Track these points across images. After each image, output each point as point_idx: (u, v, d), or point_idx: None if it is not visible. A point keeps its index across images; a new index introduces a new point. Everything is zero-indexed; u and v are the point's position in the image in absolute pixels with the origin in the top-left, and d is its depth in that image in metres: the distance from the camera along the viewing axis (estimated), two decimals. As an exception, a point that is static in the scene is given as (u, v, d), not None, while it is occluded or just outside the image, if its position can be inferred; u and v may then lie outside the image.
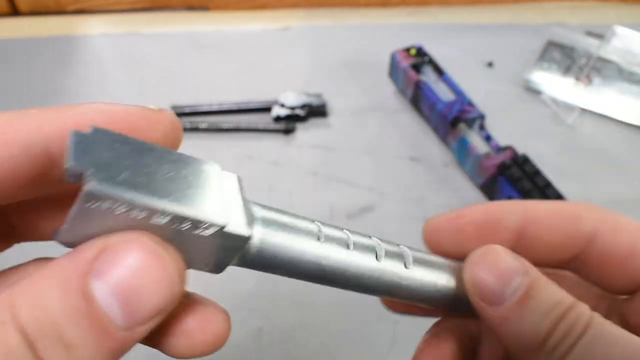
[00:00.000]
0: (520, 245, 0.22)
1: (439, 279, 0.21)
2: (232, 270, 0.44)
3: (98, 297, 0.15)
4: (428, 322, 0.43)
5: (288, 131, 0.54)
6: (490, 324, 0.20)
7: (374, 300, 0.44)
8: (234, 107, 0.53)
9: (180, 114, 0.53)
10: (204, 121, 0.53)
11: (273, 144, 0.53)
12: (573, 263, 0.22)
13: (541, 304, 0.19)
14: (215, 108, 0.54)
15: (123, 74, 0.60)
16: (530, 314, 0.19)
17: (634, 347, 0.18)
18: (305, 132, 0.54)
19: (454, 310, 0.22)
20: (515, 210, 0.22)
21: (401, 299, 0.22)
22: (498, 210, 0.22)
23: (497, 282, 0.19)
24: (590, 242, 0.22)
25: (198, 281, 0.45)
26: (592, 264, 0.22)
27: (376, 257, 0.20)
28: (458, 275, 0.22)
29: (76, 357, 0.15)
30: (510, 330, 0.20)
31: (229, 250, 0.18)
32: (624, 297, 0.22)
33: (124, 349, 0.17)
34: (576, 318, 0.19)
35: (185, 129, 0.52)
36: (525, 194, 0.44)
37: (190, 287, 0.43)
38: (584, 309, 0.19)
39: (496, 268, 0.20)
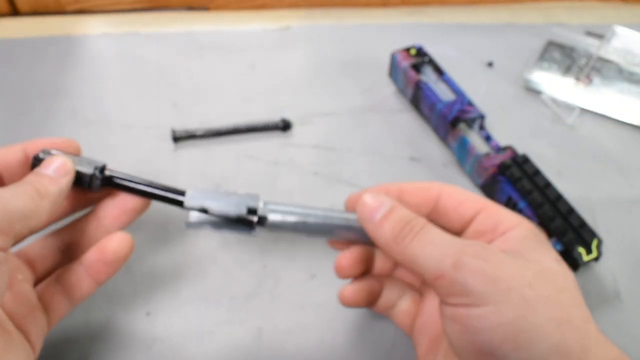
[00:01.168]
0: (402, 204, 0.35)
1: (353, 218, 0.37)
2: (231, 270, 0.45)
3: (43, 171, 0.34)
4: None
5: (285, 128, 0.54)
6: (369, 232, 0.33)
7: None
8: (232, 128, 0.53)
9: (179, 138, 0.53)
10: (199, 129, 0.53)
11: (272, 144, 0.53)
12: (433, 215, 0.36)
13: (396, 217, 0.32)
14: (213, 131, 0.53)
15: (123, 74, 0.60)
16: (390, 223, 0.32)
17: (448, 236, 0.31)
18: (304, 132, 0.54)
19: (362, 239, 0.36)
20: (394, 186, 0.37)
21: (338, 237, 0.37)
22: (385, 186, 0.37)
23: (372, 206, 0.33)
24: (437, 201, 0.35)
25: (198, 282, 0.45)
26: (441, 214, 0.35)
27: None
28: None
29: (44, 186, 0.33)
30: (378, 234, 0.32)
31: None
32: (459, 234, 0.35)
33: (64, 188, 0.34)
34: (416, 223, 0.32)
35: (182, 138, 0.52)
36: (526, 194, 0.44)
37: (192, 287, 0.43)
38: (421, 219, 0.32)
39: (372, 199, 0.33)
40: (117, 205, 0.37)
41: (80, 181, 0.36)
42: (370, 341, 0.41)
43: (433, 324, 0.36)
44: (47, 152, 0.36)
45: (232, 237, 0.43)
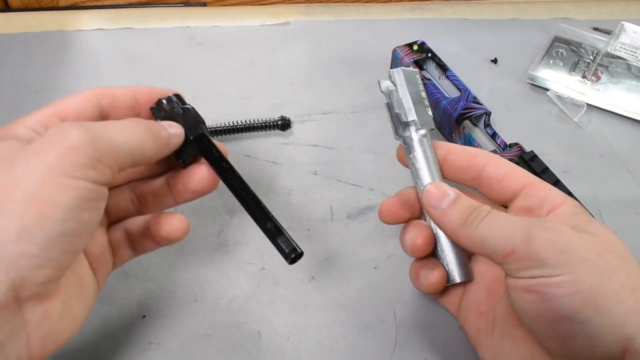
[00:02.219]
0: (445, 164, 0.38)
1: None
2: (229, 273, 0.43)
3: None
4: (429, 327, 0.41)
5: (285, 127, 0.52)
6: (434, 219, 0.35)
7: (375, 303, 0.43)
8: (229, 127, 0.52)
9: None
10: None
11: (271, 143, 0.52)
12: (475, 182, 0.37)
13: (463, 205, 0.34)
14: (211, 130, 0.52)
15: (118, 70, 0.58)
16: (457, 209, 0.34)
17: (514, 217, 0.32)
18: (304, 131, 0.53)
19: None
20: (442, 147, 0.39)
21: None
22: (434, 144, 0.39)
23: (439, 195, 0.34)
24: (482, 170, 0.36)
25: (195, 284, 0.44)
26: (484, 184, 0.36)
27: None
28: None
29: (156, 127, 0.34)
30: (447, 220, 0.34)
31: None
32: (505, 205, 0.37)
33: (173, 142, 0.35)
34: (482, 210, 0.33)
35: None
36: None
37: (188, 289, 0.42)
38: (486, 207, 0.33)
39: (439, 188, 0.35)
40: (182, 181, 0.37)
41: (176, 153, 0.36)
42: (371, 345, 0.40)
43: (482, 301, 0.37)
44: (171, 101, 0.37)
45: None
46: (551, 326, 0.30)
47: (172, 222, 0.36)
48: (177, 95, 0.38)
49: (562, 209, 0.33)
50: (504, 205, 0.37)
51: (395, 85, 0.40)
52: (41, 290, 0.27)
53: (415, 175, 0.38)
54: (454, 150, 0.38)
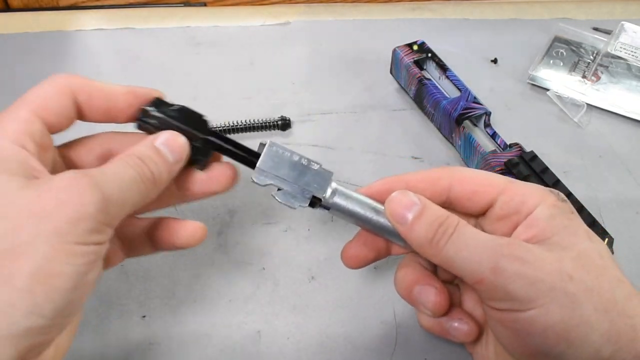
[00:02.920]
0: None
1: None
2: (229, 273, 0.43)
3: (161, 148, 0.31)
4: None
5: (285, 127, 0.52)
6: (402, 235, 0.32)
7: (375, 303, 0.42)
8: (229, 127, 0.52)
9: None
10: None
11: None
12: (446, 205, 0.34)
13: (428, 219, 0.31)
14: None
15: (118, 70, 0.58)
16: (422, 225, 0.31)
17: (483, 236, 0.30)
18: (304, 131, 0.53)
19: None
20: (399, 182, 0.35)
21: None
22: (389, 182, 0.35)
23: (403, 210, 0.32)
24: (449, 192, 0.34)
25: (195, 284, 0.44)
26: (455, 204, 0.34)
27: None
28: None
29: (153, 167, 0.30)
30: (413, 237, 0.31)
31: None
32: (479, 217, 0.35)
33: (174, 173, 0.32)
34: (449, 223, 0.31)
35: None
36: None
37: (188, 289, 0.41)
38: (454, 219, 0.31)
39: (402, 202, 0.32)
40: (202, 184, 0.35)
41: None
42: (371, 345, 0.40)
43: (476, 311, 0.36)
44: (159, 105, 0.33)
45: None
46: (528, 358, 0.30)
47: (188, 229, 0.34)
48: (158, 98, 0.34)
49: (537, 212, 0.31)
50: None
51: (270, 181, 0.35)
52: (43, 348, 0.27)
53: (362, 219, 0.35)
54: (413, 183, 0.34)
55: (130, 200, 0.29)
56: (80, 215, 0.26)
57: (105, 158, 0.33)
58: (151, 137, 0.32)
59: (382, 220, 0.34)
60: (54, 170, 0.30)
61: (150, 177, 0.30)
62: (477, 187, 0.34)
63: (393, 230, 0.33)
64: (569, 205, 0.32)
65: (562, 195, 0.33)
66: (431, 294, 0.34)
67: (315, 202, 0.35)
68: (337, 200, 0.35)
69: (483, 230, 0.34)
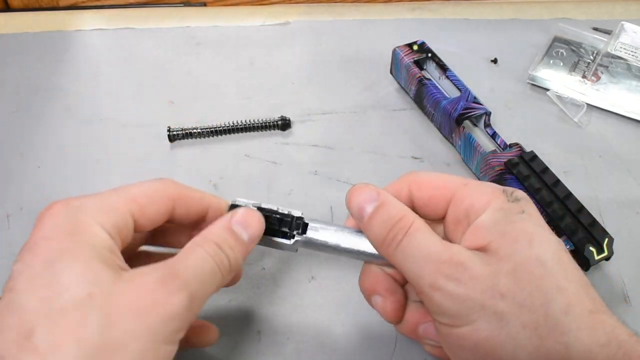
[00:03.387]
0: None
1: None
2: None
3: (236, 229, 0.32)
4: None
5: (285, 127, 0.52)
6: (363, 230, 0.32)
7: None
8: (229, 127, 0.52)
9: (175, 136, 0.51)
10: (196, 128, 0.51)
11: (271, 143, 0.52)
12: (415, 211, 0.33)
13: (384, 216, 0.31)
14: (210, 130, 0.52)
15: (118, 70, 0.58)
16: (377, 223, 0.31)
17: (429, 247, 0.30)
18: (304, 131, 0.53)
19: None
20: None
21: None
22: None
23: (361, 205, 0.32)
24: (411, 201, 0.34)
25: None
26: (418, 211, 0.33)
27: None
28: None
29: (231, 255, 0.31)
30: (369, 234, 0.32)
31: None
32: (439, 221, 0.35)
33: (247, 254, 0.32)
34: (402, 226, 0.30)
35: (178, 136, 0.51)
36: (534, 192, 0.43)
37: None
38: (408, 220, 0.31)
39: (360, 197, 0.32)
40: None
41: None
42: (372, 345, 0.40)
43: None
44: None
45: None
46: None
47: (209, 334, 0.36)
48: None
49: (482, 218, 0.31)
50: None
51: None
52: None
53: (346, 250, 0.34)
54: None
55: (209, 292, 0.30)
56: (170, 316, 0.27)
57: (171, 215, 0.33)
58: (228, 216, 0.32)
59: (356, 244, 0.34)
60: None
61: (227, 265, 0.31)
62: (432, 192, 0.34)
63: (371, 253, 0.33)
64: (519, 205, 0.32)
65: (517, 193, 0.32)
66: (385, 304, 0.35)
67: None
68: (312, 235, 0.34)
69: (445, 235, 0.34)
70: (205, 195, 0.35)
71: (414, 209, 0.33)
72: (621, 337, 0.28)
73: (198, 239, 0.31)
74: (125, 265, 0.29)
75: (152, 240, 0.37)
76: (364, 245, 0.34)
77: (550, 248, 0.30)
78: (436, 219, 0.34)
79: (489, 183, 0.33)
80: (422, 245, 0.30)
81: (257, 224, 0.33)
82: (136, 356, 0.26)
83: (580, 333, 0.28)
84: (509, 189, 0.32)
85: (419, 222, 0.31)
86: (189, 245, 0.30)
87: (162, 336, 0.27)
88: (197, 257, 0.30)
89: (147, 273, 0.28)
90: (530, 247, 0.30)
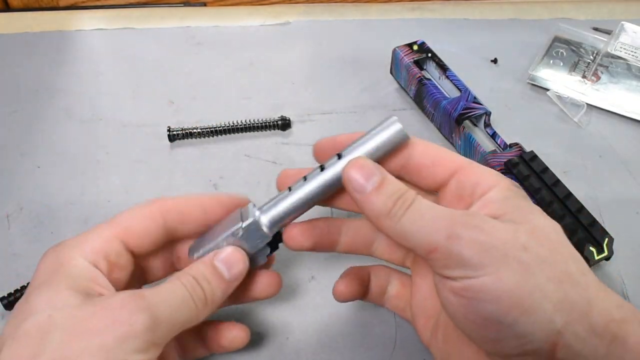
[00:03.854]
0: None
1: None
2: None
3: (218, 266, 0.33)
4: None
5: (285, 127, 0.52)
6: (359, 205, 0.31)
7: (375, 304, 0.42)
8: (229, 127, 0.52)
9: (175, 136, 0.51)
10: (196, 127, 0.51)
11: (271, 143, 0.52)
12: (403, 171, 0.34)
13: (388, 190, 0.31)
14: (210, 130, 0.52)
15: (118, 70, 0.58)
16: (381, 196, 0.30)
17: (439, 207, 0.30)
18: (304, 131, 0.53)
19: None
20: (349, 139, 0.34)
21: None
22: (339, 139, 0.36)
23: (362, 178, 0.31)
24: (407, 160, 0.34)
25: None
26: (413, 171, 0.34)
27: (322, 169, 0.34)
28: None
29: (207, 287, 0.32)
30: (370, 207, 0.31)
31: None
32: (435, 193, 0.34)
33: (229, 291, 0.34)
34: (407, 196, 0.30)
35: (178, 136, 0.51)
36: (534, 192, 0.43)
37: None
38: (412, 192, 0.31)
39: (362, 170, 0.31)
40: (247, 289, 0.37)
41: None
42: (372, 345, 0.40)
43: (427, 303, 0.36)
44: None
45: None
46: (480, 329, 0.29)
47: (233, 331, 0.36)
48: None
49: (492, 194, 0.31)
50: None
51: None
52: None
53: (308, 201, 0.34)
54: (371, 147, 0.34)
55: (180, 319, 0.31)
56: (127, 334, 0.28)
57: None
58: (212, 254, 0.34)
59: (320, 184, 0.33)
60: (129, 283, 0.34)
61: (202, 297, 0.32)
62: (437, 159, 0.33)
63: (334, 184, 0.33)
64: (522, 191, 0.32)
65: (515, 182, 0.33)
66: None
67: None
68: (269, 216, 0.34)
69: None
70: (202, 199, 0.36)
71: (404, 172, 0.34)
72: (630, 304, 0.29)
73: (179, 273, 0.33)
74: (108, 290, 0.31)
75: None
76: (314, 186, 0.33)
77: (559, 227, 0.31)
78: (428, 189, 0.34)
79: (491, 169, 0.33)
80: (433, 207, 0.30)
81: (241, 263, 0.34)
82: None
83: (598, 292, 0.29)
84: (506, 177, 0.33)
85: (420, 196, 0.31)
86: (169, 279, 0.32)
87: (118, 354, 0.27)
88: (170, 284, 0.31)
89: (116, 295, 0.30)
90: (545, 217, 0.31)
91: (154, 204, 0.34)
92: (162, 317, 0.29)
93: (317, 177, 0.33)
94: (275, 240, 0.35)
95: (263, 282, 0.36)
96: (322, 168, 0.33)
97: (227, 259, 0.33)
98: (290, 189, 0.34)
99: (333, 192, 0.34)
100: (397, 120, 0.33)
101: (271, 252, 0.35)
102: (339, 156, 0.33)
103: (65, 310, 0.28)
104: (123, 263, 0.33)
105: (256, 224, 0.34)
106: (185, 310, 0.31)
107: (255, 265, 0.35)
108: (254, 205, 0.35)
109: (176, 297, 0.31)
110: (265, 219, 0.34)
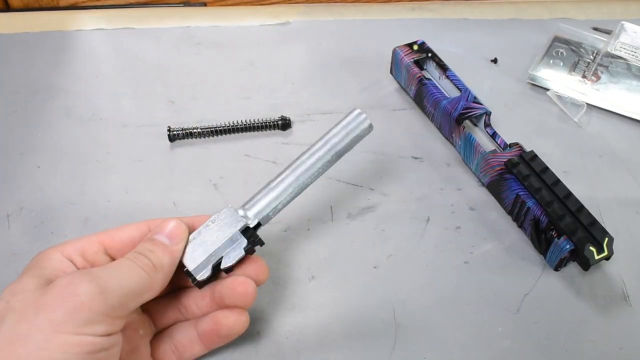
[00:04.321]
0: None
1: None
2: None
3: (158, 237, 0.35)
4: (428, 327, 0.41)
5: (285, 127, 0.52)
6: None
7: (375, 303, 0.42)
8: (229, 127, 0.52)
9: (175, 136, 0.51)
10: (196, 127, 0.51)
11: (271, 143, 0.52)
12: None
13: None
14: (210, 129, 0.52)
15: (118, 70, 0.58)
16: None
17: None
18: (304, 131, 0.53)
19: None
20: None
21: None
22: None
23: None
24: None
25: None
26: None
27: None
28: None
29: (151, 255, 0.34)
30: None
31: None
32: None
33: (177, 254, 0.35)
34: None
35: (178, 136, 0.51)
36: (534, 192, 0.43)
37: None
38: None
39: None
40: (227, 292, 0.36)
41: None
42: (371, 344, 0.40)
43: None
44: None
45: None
46: None
47: (230, 317, 0.36)
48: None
49: None
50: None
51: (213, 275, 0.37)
52: None
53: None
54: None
55: (131, 286, 0.32)
56: (75, 307, 0.29)
57: None
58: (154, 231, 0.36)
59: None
60: None
61: (149, 264, 0.33)
62: None
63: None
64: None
65: None
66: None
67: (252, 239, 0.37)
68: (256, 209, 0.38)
69: None
70: (193, 219, 0.37)
71: None
72: None
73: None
74: None
75: None
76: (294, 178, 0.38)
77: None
78: None
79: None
80: None
81: (177, 229, 0.36)
82: (40, 344, 0.28)
83: None
84: None
85: None
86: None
87: (67, 326, 0.28)
88: (116, 261, 0.34)
89: (67, 275, 0.31)
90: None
91: (146, 220, 0.37)
92: (110, 286, 0.30)
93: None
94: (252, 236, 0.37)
95: (250, 267, 0.37)
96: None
97: (164, 231, 0.35)
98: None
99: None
100: (361, 112, 0.38)
101: (248, 245, 0.37)
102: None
103: (21, 294, 0.30)
104: (100, 263, 0.34)
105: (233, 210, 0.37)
106: (135, 277, 0.32)
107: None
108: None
109: (122, 266, 0.32)
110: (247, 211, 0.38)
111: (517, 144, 0.47)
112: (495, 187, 0.47)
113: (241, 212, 0.37)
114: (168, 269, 0.34)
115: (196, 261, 0.36)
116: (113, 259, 0.35)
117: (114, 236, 0.36)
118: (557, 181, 0.43)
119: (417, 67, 0.53)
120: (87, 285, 0.29)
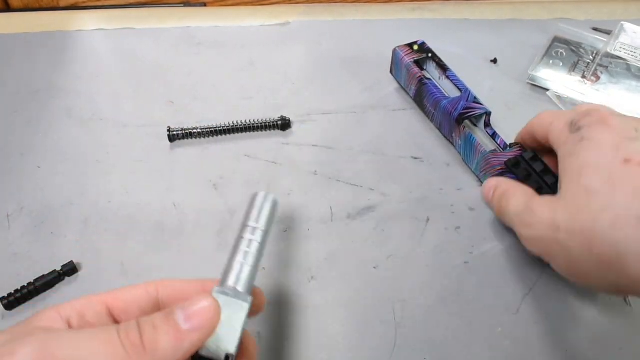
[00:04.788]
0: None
1: None
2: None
3: (176, 312, 0.29)
4: (429, 327, 0.41)
5: (285, 127, 0.52)
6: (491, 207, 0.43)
7: (375, 303, 0.42)
8: (229, 127, 0.52)
9: (175, 136, 0.51)
10: (196, 128, 0.51)
11: (271, 143, 0.52)
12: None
13: (496, 195, 0.43)
14: (210, 130, 0.52)
15: (118, 70, 0.58)
16: (494, 201, 0.43)
17: (519, 200, 0.41)
18: (304, 131, 0.53)
19: None
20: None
21: None
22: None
23: (486, 191, 0.44)
24: (531, 132, 0.43)
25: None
26: (531, 140, 0.44)
27: None
28: None
29: (153, 340, 0.27)
30: (493, 207, 0.43)
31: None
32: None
33: (185, 345, 0.28)
34: (506, 195, 0.42)
35: (178, 137, 0.51)
36: (534, 192, 0.43)
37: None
38: (510, 191, 0.42)
39: (486, 185, 0.44)
40: None
41: None
42: (371, 344, 0.40)
43: None
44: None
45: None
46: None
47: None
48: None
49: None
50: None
51: None
52: None
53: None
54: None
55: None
56: None
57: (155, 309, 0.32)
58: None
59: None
60: None
61: (136, 341, 0.27)
62: (540, 129, 0.43)
63: None
64: (579, 134, 0.37)
65: (582, 121, 0.37)
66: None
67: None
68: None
69: None
70: (204, 282, 0.34)
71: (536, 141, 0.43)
72: None
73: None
74: None
75: None
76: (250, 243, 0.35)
77: (599, 171, 0.34)
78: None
79: (557, 114, 0.41)
80: (511, 207, 0.40)
81: (206, 313, 0.29)
82: None
83: (628, 241, 0.32)
84: (579, 114, 0.38)
85: (514, 191, 0.41)
86: None
87: None
88: (98, 327, 0.29)
89: (26, 335, 0.28)
90: (579, 179, 0.35)
91: (154, 281, 0.33)
92: (58, 356, 0.26)
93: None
94: None
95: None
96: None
97: (193, 314, 0.29)
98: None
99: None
100: (268, 193, 0.36)
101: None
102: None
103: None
104: (101, 325, 0.31)
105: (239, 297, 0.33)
106: (101, 354, 0.26)
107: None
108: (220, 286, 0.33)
109: (96, 335, 0.27)
110: (241, 287, 0.33)
111: (517, 144, 0.47)
112: (495, 187, 0.47)
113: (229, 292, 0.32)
114: (164, 355, 0.27)
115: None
116: (117, 321, 0.32)
117: (117, 296, 0.32)
118: (558, 181, 0.43)
119: (417, 67, 0.53)
120: (29, 348, 0.26)
